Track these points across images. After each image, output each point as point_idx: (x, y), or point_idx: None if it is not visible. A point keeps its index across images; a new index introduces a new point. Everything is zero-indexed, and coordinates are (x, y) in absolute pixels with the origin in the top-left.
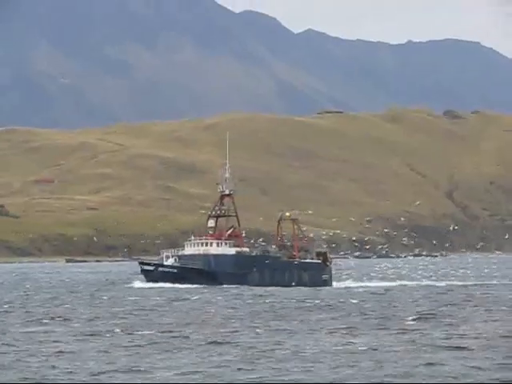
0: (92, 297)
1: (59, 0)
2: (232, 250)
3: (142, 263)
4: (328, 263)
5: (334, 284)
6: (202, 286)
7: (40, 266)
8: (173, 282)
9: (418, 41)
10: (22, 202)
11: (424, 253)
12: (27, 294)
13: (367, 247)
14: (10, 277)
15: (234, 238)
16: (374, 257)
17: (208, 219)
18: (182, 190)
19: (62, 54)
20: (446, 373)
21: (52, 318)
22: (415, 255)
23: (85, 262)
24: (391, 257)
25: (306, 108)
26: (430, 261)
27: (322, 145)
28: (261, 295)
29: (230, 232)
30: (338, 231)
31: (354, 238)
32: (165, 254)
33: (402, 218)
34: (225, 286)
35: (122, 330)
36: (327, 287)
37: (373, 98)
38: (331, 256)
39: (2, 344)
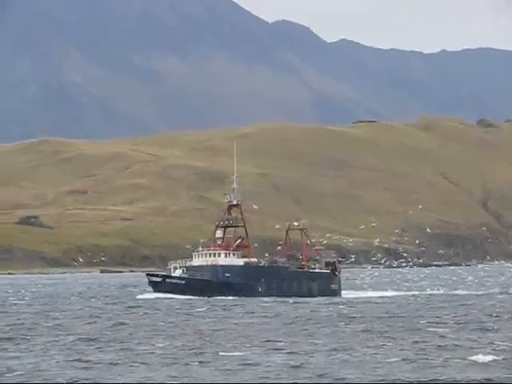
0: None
1: (89, 11)
2: (240, 261)
3: (149, 274)
4: (337, 273)
5: (343, 294)
6: (210, 297)
7: (72, 276)
8: (181, 293)
9: (451, 50)
10: (55, 212)
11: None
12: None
13: (400, 256)
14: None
15: (242, 248)
16: (408, 266)
17: (216, 230)
18: (215, 200)
19: (93, 64)
20: None
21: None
22: (448, 264)
23: (120, 272)
24: (425, 266)
25: (338, 117)
26: (452, 271)
27: (355, 154)
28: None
29: (238, 242)
30: (371, 240)
31: (387, 247)
32: (173, 265)
33: (436, 228)
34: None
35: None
36: (337, 297)
37: (406, 107)
38: (340, 266)
39: None
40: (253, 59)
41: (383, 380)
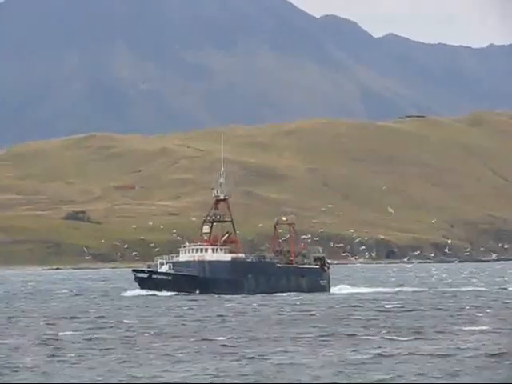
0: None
1: (138, 6)
2: (227, 256)
3: (135, 270)
4: (326, 268)
5: (332, 289)
6: (197, 293)
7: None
8: (167, 289)
9: (499, 44)
10: (103, 208)
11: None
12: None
13: (448, 251)
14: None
15: (230, 243)
16: (456, 261)
17: (203, 225)
18: (262, 195)
19: (141, 59)
20: None
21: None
22: (498, 259)
23: None
24: (475, 261)
25: (386, 112)
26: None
27: (404, 149)
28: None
29: (225, 238)
30: (419, 235)
31: (436, 242)
32: (159, 260)
33: (485, 222)
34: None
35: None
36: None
37: (455, 102)
38: (328, 261)
39: None
40: (301, 54)
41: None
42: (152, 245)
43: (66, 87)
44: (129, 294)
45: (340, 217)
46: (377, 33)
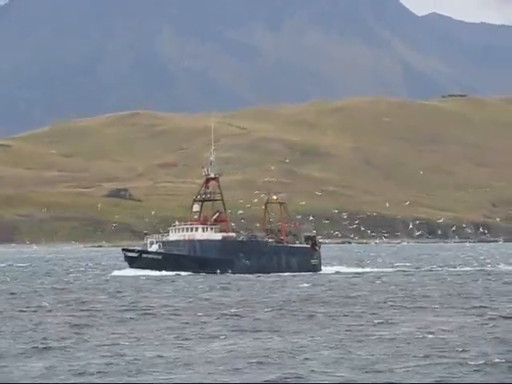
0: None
1: None
2: (218, 236)
3: (125, 249)
4: (317, 248)
5: (323, 269)
6: (187, 272)
7: None
8: (157, 268)
9: None
10: (145, 185)
11: None
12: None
13: (490, 231)
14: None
15: (220, 222)
16: (501, 241)
17: (193, 204)
18: (306, 174)
19: (186, 37)
20: None
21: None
22: None
23: None
24: None
25: (428, 91)
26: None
27: (447, 128)
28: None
29: (215, 217)
30: (461, 215)
31: (477, 222)
32: (149, 240)
33: None
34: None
35: None
36: (317, 272)
37: (497, 81)
38: (320, 240)
39: None
40: (346, 33)
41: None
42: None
43: (111, 65)
44: (117, 273)
45: (383, 197)
46: (419, 11)
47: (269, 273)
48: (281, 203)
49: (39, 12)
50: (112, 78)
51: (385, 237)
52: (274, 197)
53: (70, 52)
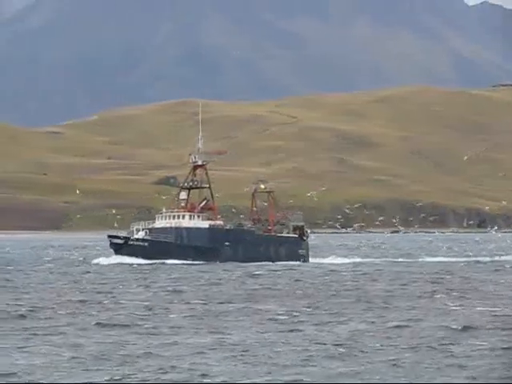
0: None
1: None
2: (205, 224)
3: (110, 236)
4: (305, 237)
5: (311, 260)
6: (173, 260)
7: None
8: (143, 256)
9: None
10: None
11: None
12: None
13: None
14: None
15: (208, 210)
16: None
17: (180, 191)
18: (355, 163)
19: (234, 26)
20: None
21: None
22: None
23: None
24: None
25: (479, 80)
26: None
27: (497, 118)
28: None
29: (202, 204)
30: (510, 204)
31: None
32: (135, 227)
33: None
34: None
35: None
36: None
37: None
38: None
39: None
40: (394, 22)
41: None
42: (234, 211)
43: (159, 54)
44: (103, 261)
45: (433, 185)
46: (471, 0)
47: (255, 262)
48: (269, 192)
49: (86, 2)
50: (160, 67)
51: (431, 226)
52: (262, 186)
53: (119, 42)
